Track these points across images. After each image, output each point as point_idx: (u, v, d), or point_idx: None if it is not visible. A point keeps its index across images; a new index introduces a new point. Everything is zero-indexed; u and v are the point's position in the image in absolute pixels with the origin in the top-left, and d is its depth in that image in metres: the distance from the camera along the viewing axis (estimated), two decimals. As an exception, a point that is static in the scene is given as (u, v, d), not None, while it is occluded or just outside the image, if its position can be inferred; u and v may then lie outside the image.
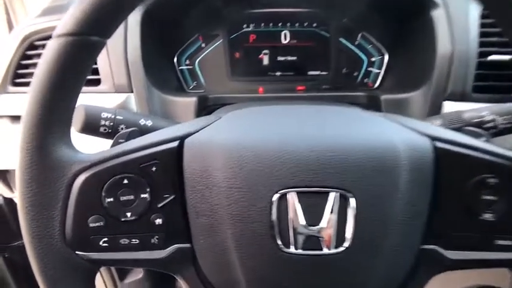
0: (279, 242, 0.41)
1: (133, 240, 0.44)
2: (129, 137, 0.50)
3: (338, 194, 0.40)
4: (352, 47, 0.83)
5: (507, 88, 0.68)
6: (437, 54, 0.68)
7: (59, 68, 0.39)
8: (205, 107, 0.75)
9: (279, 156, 0.41)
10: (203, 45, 0.83)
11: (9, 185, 0.84)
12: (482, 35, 0.69)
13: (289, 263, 0.42)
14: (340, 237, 0.41)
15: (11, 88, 0.76)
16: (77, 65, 0.41)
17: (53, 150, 0.41)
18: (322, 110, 0.49)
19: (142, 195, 0.43)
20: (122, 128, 0.54)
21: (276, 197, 0.40)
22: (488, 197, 0.43)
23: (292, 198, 0.40)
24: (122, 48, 0.70)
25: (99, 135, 0.55)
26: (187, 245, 0.45)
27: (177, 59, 0.83)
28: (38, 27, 0.74)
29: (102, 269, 1.03)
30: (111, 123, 0.54)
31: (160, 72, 0.78)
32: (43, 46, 0.74)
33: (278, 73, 0.84)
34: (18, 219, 0.42)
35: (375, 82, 0.83)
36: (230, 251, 0.43)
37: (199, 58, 0.83)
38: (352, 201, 0.40)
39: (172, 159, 0.43)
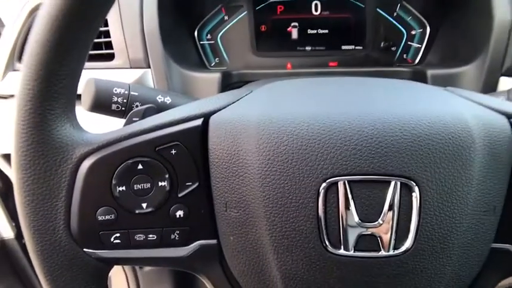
0: (326, 242, 0.38)
1: (150, 235, 0.41)
2: (145, 114, 0.47)
3: (399, 183, 0.37)
4: (390, 19, 0.80)
5: None
6: (494, 22, 0.65)
7: (60, 22, 0.34)
8: (229, 84, 0.73)
9: (326, 136, 0.37)
10: (226, 17, 0.81)
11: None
12: None
13: (338, 266, 0.39)
14: (400, 237, 0.38)
15: (19, 65, 0.74)
16: (82, 17, 0.35)
17: (54, 129, 0.37)
18: (373, 83, 0.47)
19: (160, 183, 0.40)
20: (137, 106, 0.51)
21: (323, 186, 0.37)
22: None
23: (343, 188, 0.37)
24: (138, 19, 0.68)
25: (110, 113, 0.52)
26: (213, 242, 0.43)
27: (198, 34, 0.81)
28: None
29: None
30: (125, 100, 0.51)
31: (180, 46, 0.75)
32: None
33: (308, 47, 0.82)
34: None
35: (415, 58, 0.81)
36: (266, 251, 0.40)
37: (221, 32, 0.81)
38: (416, 192, 0.37)
39: (196, 140, 0.40)
